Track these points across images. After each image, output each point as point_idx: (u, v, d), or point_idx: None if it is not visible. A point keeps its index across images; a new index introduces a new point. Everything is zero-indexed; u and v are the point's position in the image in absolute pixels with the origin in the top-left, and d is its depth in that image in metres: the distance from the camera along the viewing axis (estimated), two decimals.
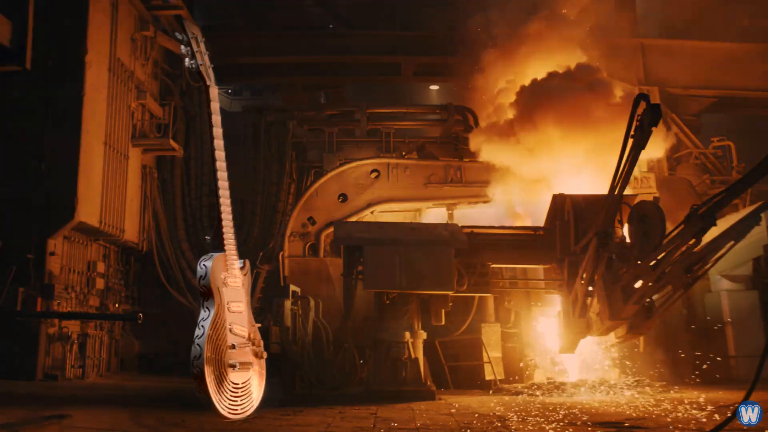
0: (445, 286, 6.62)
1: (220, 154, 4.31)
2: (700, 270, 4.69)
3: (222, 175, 4.30)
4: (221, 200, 4.26)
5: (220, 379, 3.92)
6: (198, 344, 3.90)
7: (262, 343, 4.25)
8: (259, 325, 4.30)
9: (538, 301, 7.56)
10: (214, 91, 4.36)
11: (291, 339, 7.38)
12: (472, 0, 12.02)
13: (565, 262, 6.51)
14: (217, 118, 4.32)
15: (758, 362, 2.93)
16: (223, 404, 3.91)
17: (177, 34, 4.31)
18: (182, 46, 4.25)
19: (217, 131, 4.33)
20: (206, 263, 4.09)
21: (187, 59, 4.26)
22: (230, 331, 4.04)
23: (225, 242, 4.18)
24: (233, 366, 3.98)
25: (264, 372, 4.23)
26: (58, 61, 8.84)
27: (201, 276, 4.09)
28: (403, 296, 6.70)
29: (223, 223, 4.22)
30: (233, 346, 4.01)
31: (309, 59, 14.73)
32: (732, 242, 4.21)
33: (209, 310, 4.01)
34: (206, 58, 4.30)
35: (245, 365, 4.05)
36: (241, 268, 4.25)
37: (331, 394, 6.73)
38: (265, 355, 4.22)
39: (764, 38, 13.77)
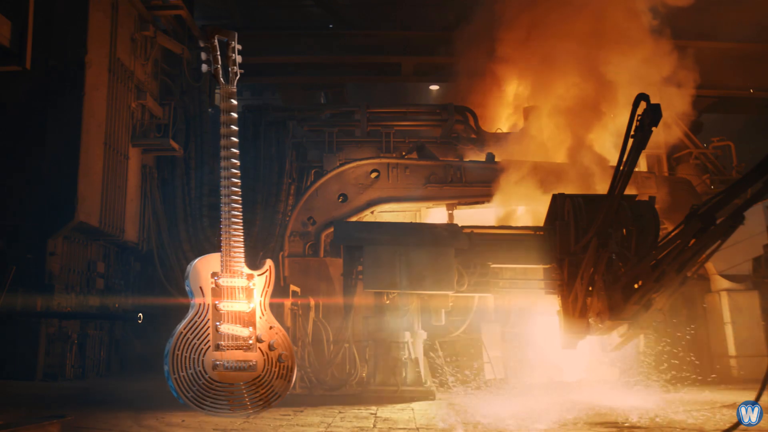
0: (445, 286, 6.62)
1: (231, 152, 4.29)
2: (690, 270, 4.69)
3: (228, 173, 4.27)
4: (223, 200, 4.25)
5: (195, 378, 3.92)
6: (169, 342, 3.96)
7: (284, 344, 4.22)
8: (272, 326, 4.25)
9: (537, 300, 7.57)
10: (231, 94, 4.37)
11: (291, 339, 7.38)
12: None
13: (565, 262, 6.51)
14: (231, 123, 4.32)
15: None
16: (203, 403, 3.91)
17: (201, 42, 4.36)
18: (203, 54, 4.29)
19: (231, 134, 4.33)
20: (192, 263, 4.15)
21: (204, 65, 4.30)
22: (216, 330, 4.03)
23: (223, 242, 4.18)
24: (216, 365, 3.97)
25: (287, 374, 4.19)
26: (58, 61, 8.85)
27: (186, 276, 4.16)
28: (403, 296, 6.69)
29: (222, 222, 4.22)
30: (218, 346, 4.01)
31: (309, 59, 14.74)
32: (719, 241, 4.20)
33: (191, 309, 4.07)
34: (229, 61, 4.33)
35: (240, 365, 4.04)
36: (257, 269, 4.25)
37: (331, 394, 6.73)
38: (284, 356, 4.20)
39: (764, 38, 13.77)
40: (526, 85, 11.37)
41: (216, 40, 4.33)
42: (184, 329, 4.00)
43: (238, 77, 4.41)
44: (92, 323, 9.38)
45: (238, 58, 4.41)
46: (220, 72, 4.34)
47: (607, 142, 9.32)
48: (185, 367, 3.93)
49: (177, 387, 3.90)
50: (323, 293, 8.88)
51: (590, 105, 9.51)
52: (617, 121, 9.14)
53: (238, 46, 4.41)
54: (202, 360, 3.97)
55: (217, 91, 13.85)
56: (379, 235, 6.78)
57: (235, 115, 4.37)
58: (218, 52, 4.32)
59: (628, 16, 9.99)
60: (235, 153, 4.32)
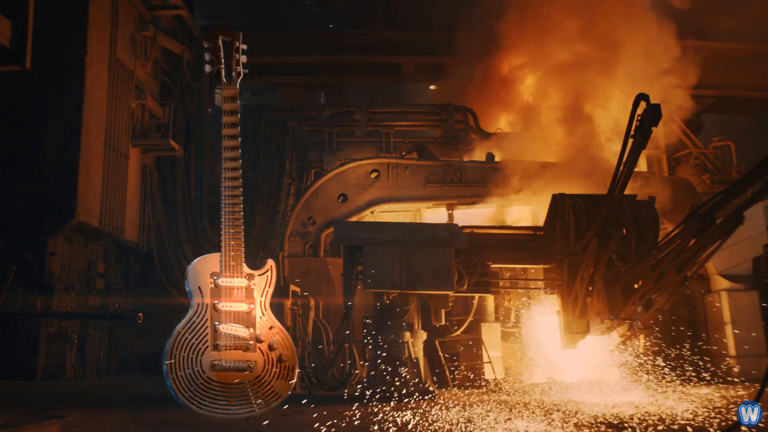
0: (445, 286, 6.62)
1: (233, 153, 4.27)
2: (691, 270, 4.69)
3: (230, 173, 4.26)
4: (224, 201, 4.23)
5: (193, 378, 3.93)
6: (168, 341, 3.97)
7: (285, 345, 4.20)
8: (272, 326, 4.21)
9: (538, 300, 7.58)
10: (232, 93, 4.36)
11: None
12: None
13: (565, 262, 6.51)
14: (232, 123, 4.31)
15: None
16: (201, 403, 3.91)
17: (205, 43, 4.35)
18: (206, 54, 4.29)
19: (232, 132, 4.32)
20: (191, 263, 4.16)
21: (208, 66, 4.30)
22: (215, 330, 4.03)
23: (223, 242, 4.17)
24: (214, 365, 3.97)
25: (288, 374, 4.17)
26: (58, 61, 8.84)
27: (185, 276, 4.18)
28: (403, 296, 6.70)
29: (222, 222, 4.21)
30: (216, 346, 4.01)
31: (309, 59, 14.74)
32: (719, 241, 4.20)
33: (190, 309, 4.08)
34: (233, 61, 4.33)
35: (239, 365, 4.03)
36: (257, 269, 4.23)
37: (331, 394, 6.73)
38: (285, 356, 4.17)
39: (764, 38, 13.78)
40: (529, 76, 11.40)
41: (220, 41, 4.32)
42: (182, 329, 4.01)
43: (241, 77, 4.40)
44: (92, 323, 9.37)
45: (243, 59, 4.40)
46: (223, 72, 4.33)
47: (606, 130, 9.35)
48: (183, 366, 3.93)
49: (175, 387, 3.91)
50: (323, 293, 8.88)
51: (588, 104, 9.53)
52: (613, 115, 9.17)
53: (243, 46, 4.40)
54: (200, 360, 3.97)
55: (217, 91, 13.84)
56: (379, 235, 6.78)
57: (237, 115, 4.35)
58: (222, 53, 4.31)
59: (629, 15, 10.01)
60: (237, 154, 4.30)
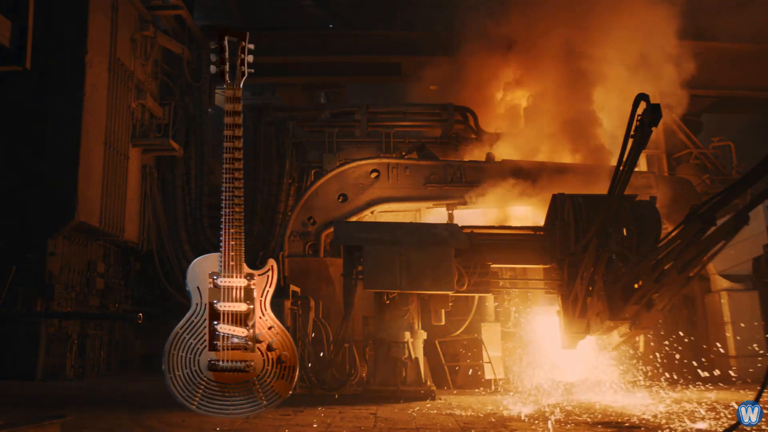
0: (445, 286, 6.62)
1: (235, 154, 4.25)
2: (693, 270, 4.69)
3: (231, 174, 4.24)
4: (224, 202, 4.22)
5: (191, 378, 3.94)
6: (167, 341, 3.98)
7: (285, 345, 4.18)
8: (272, 326, 4.18)
9: (537, 300, 7.58)
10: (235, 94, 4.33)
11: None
12: None
13: (565, 262, 6.52)
14: (235, 124, 4.29)
15: None
16: (199, 403, 3.92)
17: (211, 43, 4.34)
18: (212, 55, 4.29)
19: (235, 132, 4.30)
20: (191, 263, 4.17)
21: (213, 66, 4.29)
22: (214, 330, 4.03)
23: (222, 242, 4.16)
24: (212, 365, 3.98)
25: (288, 374, 4.14)
26: (58, 61, 8.85)
27: (185, 276, 4.18)
28: (403, 296, 6.69)
29: (223, 222, 4.20)
30: (214, 346, 4.01)
31: (309, 59, 14.75)
32: (722, 242, 4.20)
33: (189, 309, 4.08)
34: (238, 61, 4.31)
35: (238, 365, 4.02)
36: (258, 269, 4.22)
37: (331, 394, 6.73)
38: (284, 357, 4.15)
39: (764, 38, 13.78)
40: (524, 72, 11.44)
41: (226, 41, 4.31)
42: (181, 329, 4.01)
43: (245, 77, 4.38)
44: (92, 323, 9.37)
45: (249, 59, 4.38)
46: (227, 73, 4.32)
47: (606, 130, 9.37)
48: (181, 366, 3.93)
49: (173, 386, 3.91)
50: (323, 293, 8.88)
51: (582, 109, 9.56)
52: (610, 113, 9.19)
53: (250, 46, 4.38)
54: (198, 360, 3.97)
55: (218, 91, 13.85)
56: (379, 235, 6.78)
57: (239, 116, 4.33)
58: (227, 53, 4.30)
59: (630, 15, 10.04)
60: (239, 154, 4.29)
